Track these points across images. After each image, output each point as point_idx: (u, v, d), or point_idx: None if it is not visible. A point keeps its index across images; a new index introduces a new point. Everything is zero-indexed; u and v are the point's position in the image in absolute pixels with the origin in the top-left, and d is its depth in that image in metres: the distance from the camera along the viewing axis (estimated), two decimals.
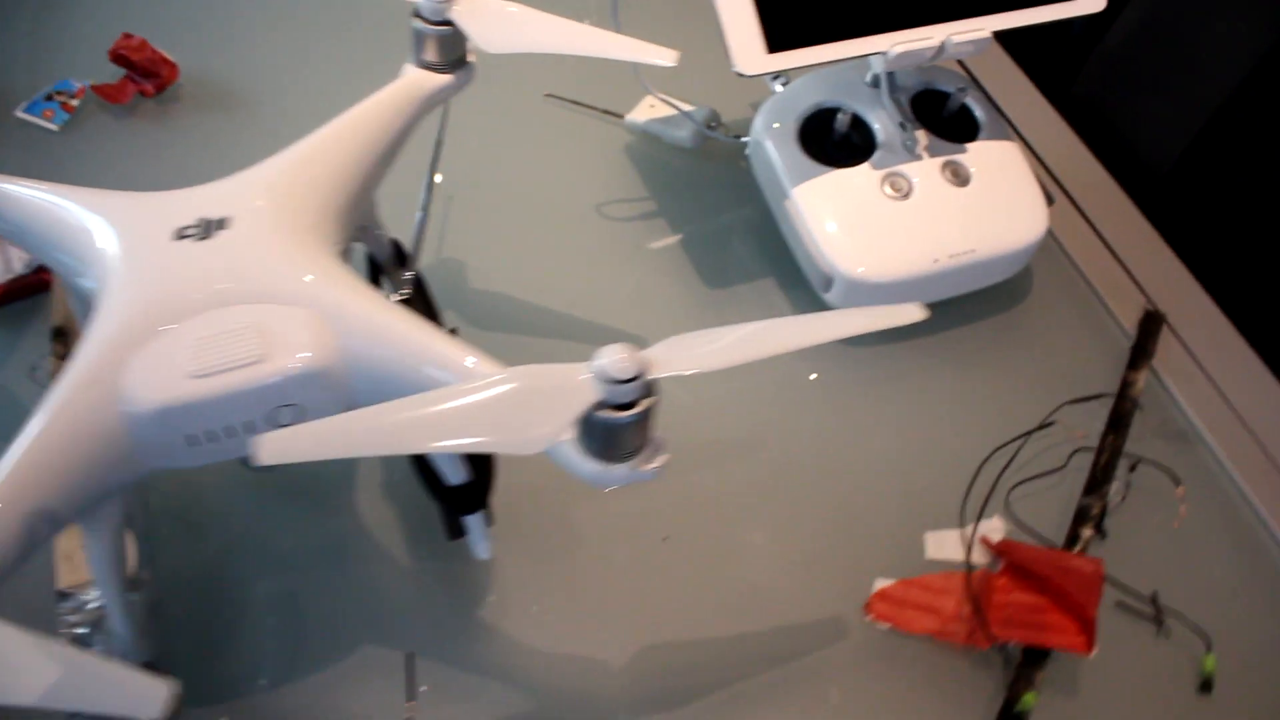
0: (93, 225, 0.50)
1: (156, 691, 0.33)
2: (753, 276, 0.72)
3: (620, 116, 0.78)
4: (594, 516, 0.60)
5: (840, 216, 0.66)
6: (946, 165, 0.68)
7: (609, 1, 0.69)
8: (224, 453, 0.46)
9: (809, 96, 0.70)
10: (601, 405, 0.40)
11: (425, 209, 0.61)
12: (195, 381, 0.43)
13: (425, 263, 0.71)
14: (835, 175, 0.67)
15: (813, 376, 0.67)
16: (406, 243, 0.61)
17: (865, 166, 0.67)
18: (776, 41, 0.61)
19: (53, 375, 0.61)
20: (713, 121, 0.77)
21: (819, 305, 0.67)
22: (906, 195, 0.66)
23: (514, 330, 0.68)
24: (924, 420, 0.65)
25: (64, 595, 0.52)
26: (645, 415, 0.41)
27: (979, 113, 0.71)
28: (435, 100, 0.58)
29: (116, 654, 0.52)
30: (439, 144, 0.62)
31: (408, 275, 0.59)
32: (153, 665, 0.52)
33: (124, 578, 0.50)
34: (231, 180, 0.51)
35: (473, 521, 0.53)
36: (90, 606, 0.53)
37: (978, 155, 0.68)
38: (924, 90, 0.71)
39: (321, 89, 0.75)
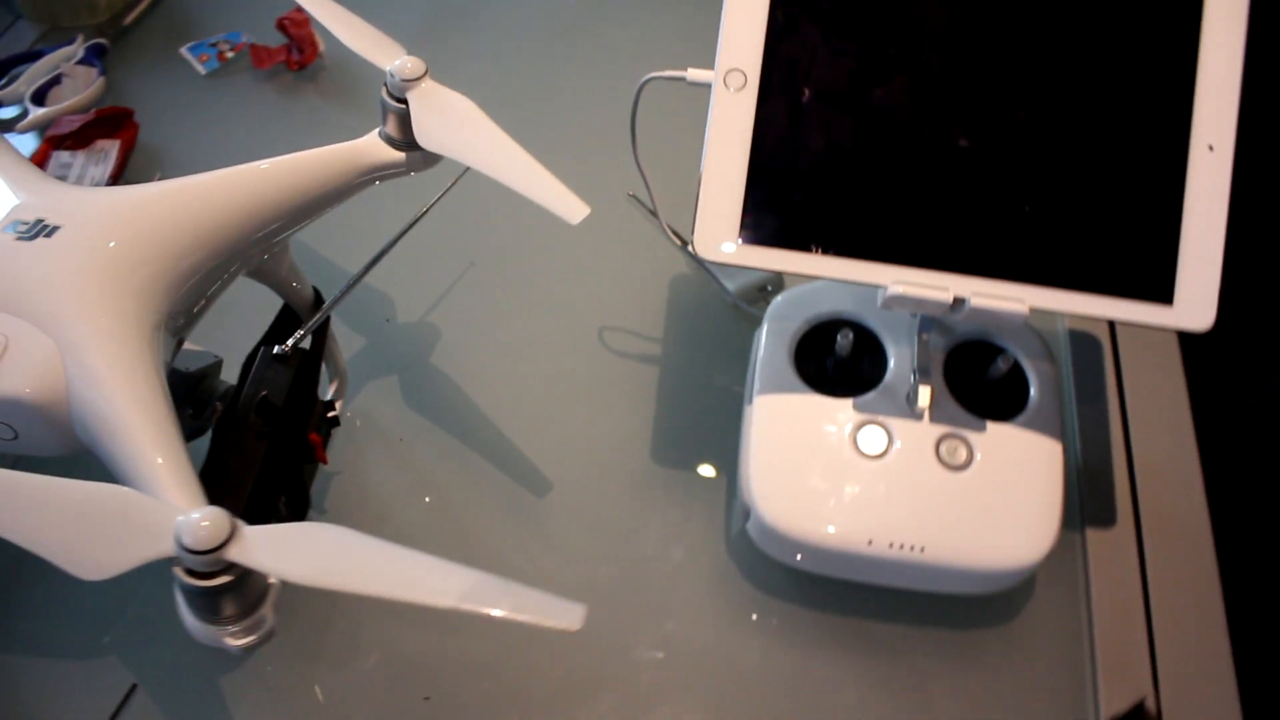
0: None
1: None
2: (707, 459, 0.62)
3: (684, 244, 0.71)
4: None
5: (788, 448, 0.55)
6: (947, 439, 0.55)
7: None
8: None
9: (832, 299, 0.59)
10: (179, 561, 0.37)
11: (356, 279, 0.58)
12: None
13: (415, 316, 0.69)
14: (810, 400, 0.56)
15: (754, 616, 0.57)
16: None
17: (848, 403, 0.56)
18: (755, 229, 0.52)
19: None
20: (770, 284, 0.68)
21: (737, 532, 0.57)
22: (880, 455, 0.54)
23: (460, 420, 0.64)
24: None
25: None
26: (224, 591, 0.37)
27: (1034, 391, 0.57)
28: (380, 174, 0.54)
29: None
30: (414, 221, 0.59)
31: (298, 333, 0.56)
32: None
33: None
34: (98, 193, 0.51)
35: None
36: None
37: (998, 440, 0.55)
38: (977, 339, 0.58)
39: None
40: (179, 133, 0.78)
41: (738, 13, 0.52)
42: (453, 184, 0.60)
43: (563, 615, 0.36)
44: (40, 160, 0.75)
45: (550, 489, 0.62)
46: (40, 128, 0.77)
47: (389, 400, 0.65)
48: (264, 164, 0.52)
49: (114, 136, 0.75)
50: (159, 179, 0.73)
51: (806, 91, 0.52)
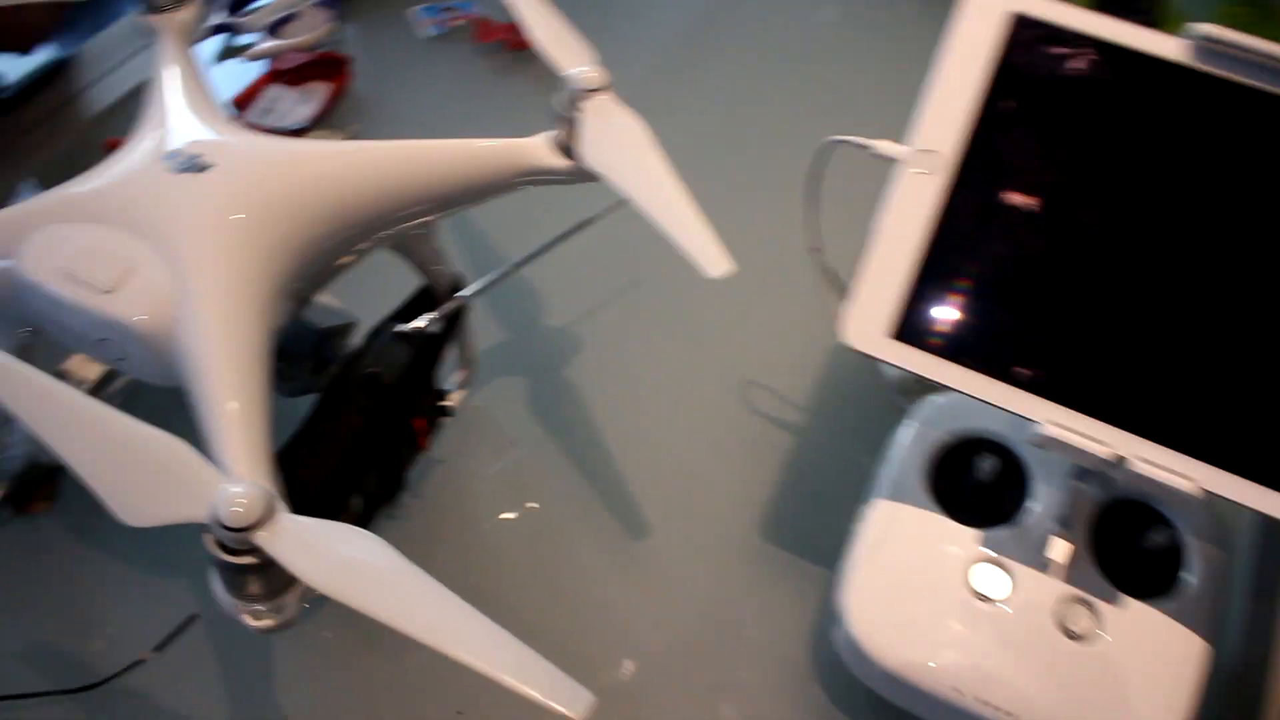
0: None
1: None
2: (815, 545, 0.58)
3: None
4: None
5: (896, 563, 0.51)
6: (1073, 603, 0.49)
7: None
8: (80, 347, 0.48)
9: (987, 415, 0.54)
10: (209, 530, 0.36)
11: (503, 274, 0.57)
12: (55, 275, 0.45)
13: (561, 321, 0.67)
14: (933, 519, 0.51)
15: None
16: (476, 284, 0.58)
17: (974, 534, 0.51)
18: (911, 327, 0.47)
19: None
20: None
21: (823, 633, 0.53)
22: (994, 599, 0.49)
23: (577, 438, 0.63)
24: None
25: None
26: (249, 570, 0.36)
27: (1192, 577, 0.50)
28: (539, 178, 0.53)
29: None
30: (579, 225, 0.57)
31: (428, 316, 0.55)
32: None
33: None
34: (258, 140, 0.51)
35: None
36: None
37: (1132, 620, 0.48)
38: (1138, 499, 0.52)
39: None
40: (387, 90, 0.79)
41: (947, 89, 0.48)
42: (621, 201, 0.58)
43: (568, 701, 0.33)
44: (256, 90, 0.77)
45: (648, 532, 0.59)
46: (267, 59, 0.79)
47: (512, 401, 0.64)
48: (425, 145, 0.52)
49: (327, 80, 0.77)
50: (355, 130, 0.75)
51: (1003, 192, 0.47)
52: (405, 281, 0.57)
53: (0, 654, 0.53)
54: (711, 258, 0.45)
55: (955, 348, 0.47)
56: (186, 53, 0.58)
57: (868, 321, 0.48)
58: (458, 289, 0.59)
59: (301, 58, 0.77)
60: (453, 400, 0.59)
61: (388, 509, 0.56)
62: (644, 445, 0.62)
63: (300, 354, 0.56)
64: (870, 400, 0.64)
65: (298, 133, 0.74)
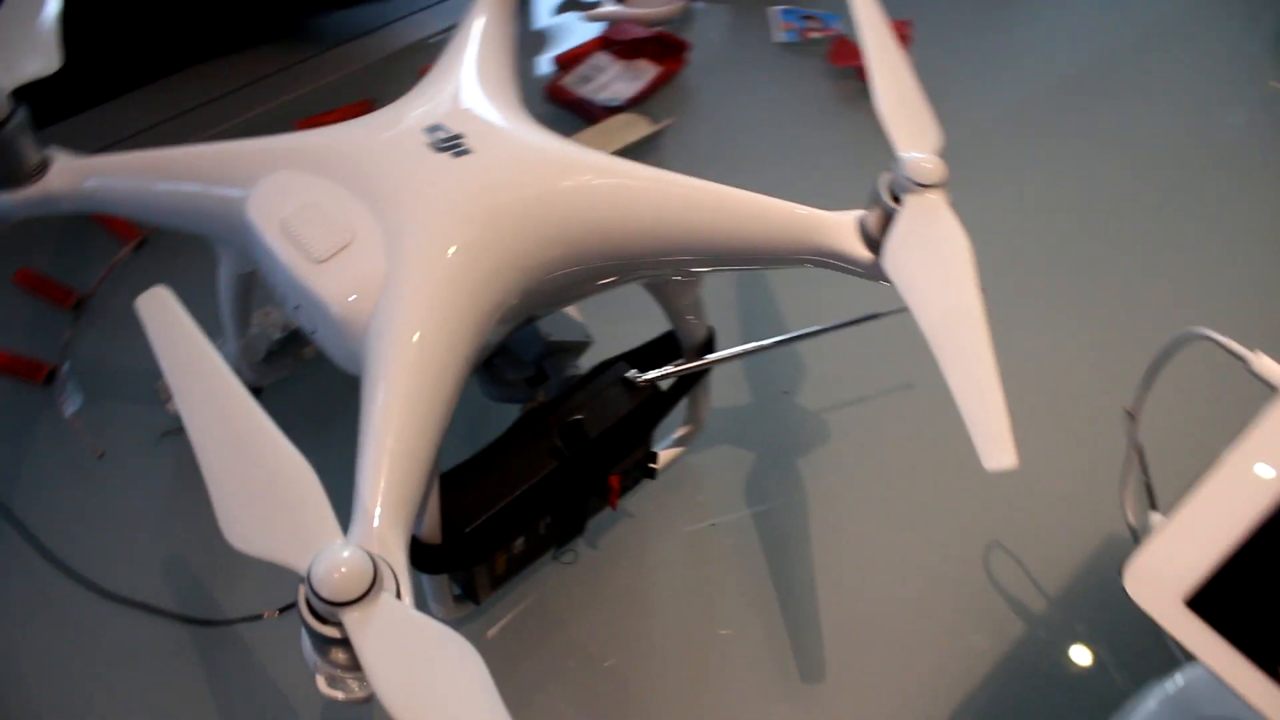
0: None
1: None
2: None
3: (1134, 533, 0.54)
4: None
5: None
6: None
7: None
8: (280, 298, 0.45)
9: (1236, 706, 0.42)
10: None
11: (767, 346, 0.49)
12: (274, 226, 0.42)
13: (813, 405, 0.59)
14: None
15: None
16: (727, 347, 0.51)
17: None
18: (1211, 606, 0.36)
19: None
20: None
21: None
22: None
23: (784, 538, 0.55)
24: None
25: None
26: (332, 641, 0.32)
27: None
28: (826, 261, 0.45)
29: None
30: (869, 317, 0.49)
31: (664, 370, 0.49)
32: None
33: (240, 312, 0.53)
34: (531, 135, 0.45)
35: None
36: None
37: None
38: None
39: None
40: (717, 87, 0.73)
41: None
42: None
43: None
44: (583, 53, 0.73)
45: (821, 674, 0.51)
46: (605, 23, 0.75)
47: (726, 470, 0.57)
48: (711, 191, 0.45)
49: (657, 61, 0.71)
50: (667, 125, 0.69)
51: None
52: (657, 315, 0.51)
53: (147, 560, 0.52)
54: (995, 447, 0.37)
55: (1257, 648, 0.36)
56: (505, 3, 0.54)
57: (1164, 575, 0.37)
58: (709, 347, 0.52)
59: (639, 31, 0.72)
60: (662, 461, 0.53)
61: (556, 551, 0.51)
62: (852, 570, 0.54)
63: (521, 360, 0.52)
64: (1129, 622, 0.52)
65: (610, 110, 0.69)
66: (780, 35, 0.76)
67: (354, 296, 0.40)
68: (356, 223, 0.41)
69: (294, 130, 0.47)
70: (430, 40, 0.77)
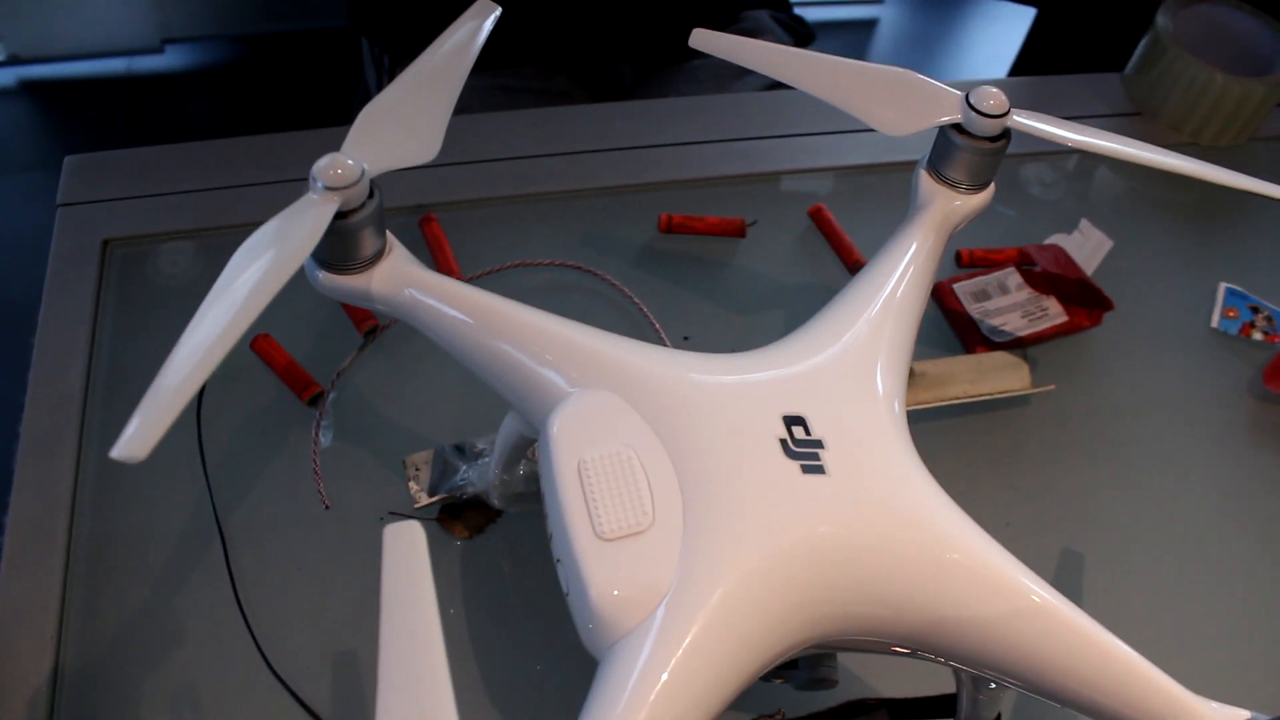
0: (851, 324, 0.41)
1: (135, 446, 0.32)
2: None
3: None
4: None
5: None
6: None
7: None
8: (545, 510, 0.39)
9: None
10: None
11: None
12: (571, 463, 0.36)
13: None
14: None
15: None
16: None
17: None
18: None
19: None
20: None
21: None
22: None
23: None
24: None
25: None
26: None
27: None
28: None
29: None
30: None
31: None
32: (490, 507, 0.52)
33: (509, 458, 0.48)
34: (911, 486, 0.37)
35: None
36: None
37: None
38: None
39: None
40: (1114, 353, 0.61)
41: None
42: None
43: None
44: (992, 259, 0.63)
45: None
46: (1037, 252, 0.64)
47: None
48: (1088, 633, 0.35)
49: (1068, 309, 0.61)
50: (1046, 392, 0.58)
51: None
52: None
53: (319, 643, 0.48)
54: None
55: None
56: (943, 233, 0.46)
57: None
58: None
59: (1067, 269, 0.61)
60: None
61: None
62: None
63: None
64: None
65: (992, 344, 0.59)
66: (1219, 321, 0.63)
67: (625, 599, 0.33)
68: (660, 505, 0.35)
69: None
70: (816, 172, 0.69)
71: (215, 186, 0.65)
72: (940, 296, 0.62)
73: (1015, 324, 0.60)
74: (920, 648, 0.36)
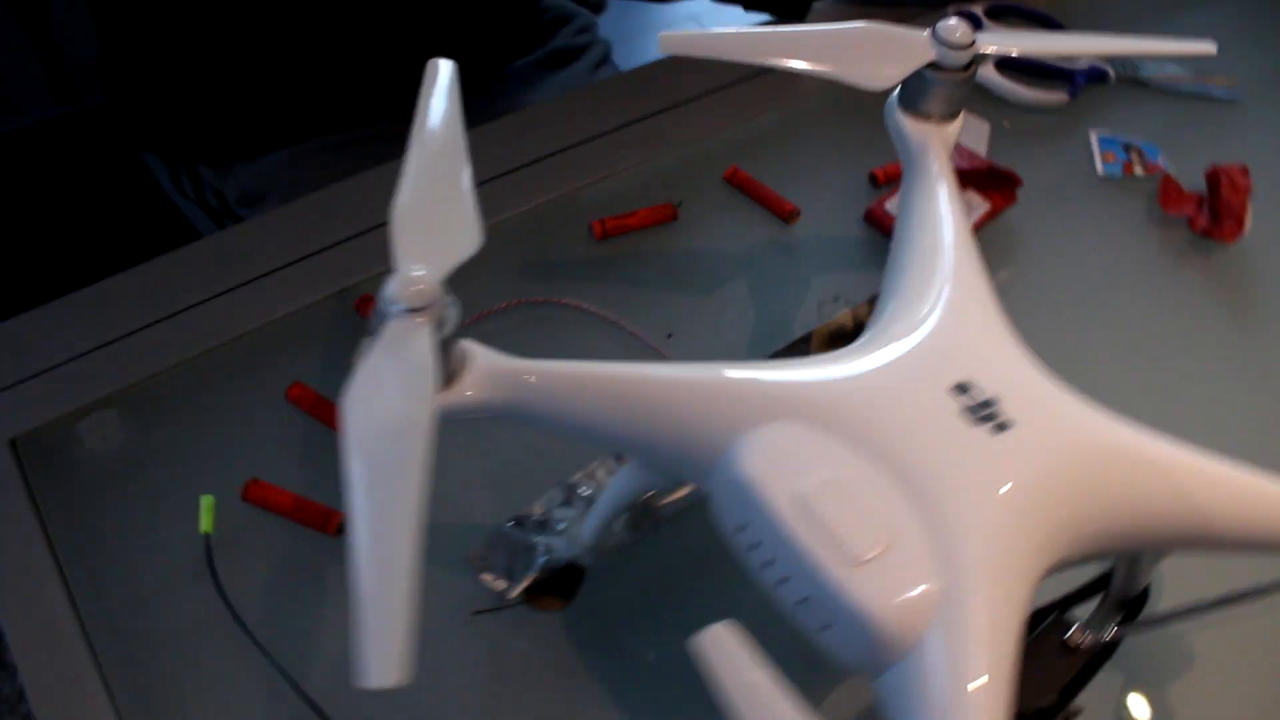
0: (928, 299, 0.42)
1: (390, 671, 0.29)
2: None
3: None
4: None
5: None
6: None
7: None
8: (747, 565, 0.38)
9: None
10: None
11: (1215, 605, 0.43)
12: (792, 504, 0.35)
13: None
14: None
15: None
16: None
17: None
18: None
19: (830, 321, 0.57)
20: None
21: None
22: None
23: None
24: None
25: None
26: None
27: None
28: None
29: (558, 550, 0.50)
30: None
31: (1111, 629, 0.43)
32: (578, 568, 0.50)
33: (614, 513, 0.46)
34: (1062, 399, 0.39)
35: None
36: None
37: None
38: None
39: None
40: (1042, 227, 0.66)
41: None
42: None
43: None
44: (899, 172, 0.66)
45: None
46: None
47: None
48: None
49: (986, 196, 0.64)
50: (1006, 276, 0.62)
51: None
52: None
53: None
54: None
55: None
56: (949, 181, 0.47)
57: None
58: (1142, 600, 0.46)
59: (971, 162, 0.64)
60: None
61: None
62: None
63: None
64: None
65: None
66: (1101, 166, 0.69)
67: (905, 609, 0.33)
68: (893, 513, 0.35)
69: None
70: (712, 133, 0.69)
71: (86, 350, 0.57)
72: (878, 221, 0.64)
73: None
74: (1134, 545, 0.38)
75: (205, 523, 0.51)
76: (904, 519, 0.35)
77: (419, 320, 0.35)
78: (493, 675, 0.49)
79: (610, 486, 0.45)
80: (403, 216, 0.38)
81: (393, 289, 0.35)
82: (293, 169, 0.77)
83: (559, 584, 0.50)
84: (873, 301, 0.59)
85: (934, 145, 0.47)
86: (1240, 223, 0.66)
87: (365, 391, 0.34)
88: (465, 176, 0.40)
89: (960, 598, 0.34)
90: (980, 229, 0.64)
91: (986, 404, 0.37)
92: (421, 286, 0.35)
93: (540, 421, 0.39)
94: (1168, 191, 0.67)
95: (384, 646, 0.29)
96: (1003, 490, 0.36)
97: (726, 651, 0.30)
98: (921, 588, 0.34)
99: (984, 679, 0.32)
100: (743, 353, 0.59)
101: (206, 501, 0.51)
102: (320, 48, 0.75)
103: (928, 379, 0.38)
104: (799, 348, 0.57)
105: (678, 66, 0.73)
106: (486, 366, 0.38)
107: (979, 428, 0.37)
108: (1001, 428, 0.37)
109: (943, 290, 0.42)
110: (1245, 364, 0.61)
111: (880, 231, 0.64)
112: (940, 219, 0.44)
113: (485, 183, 0.65)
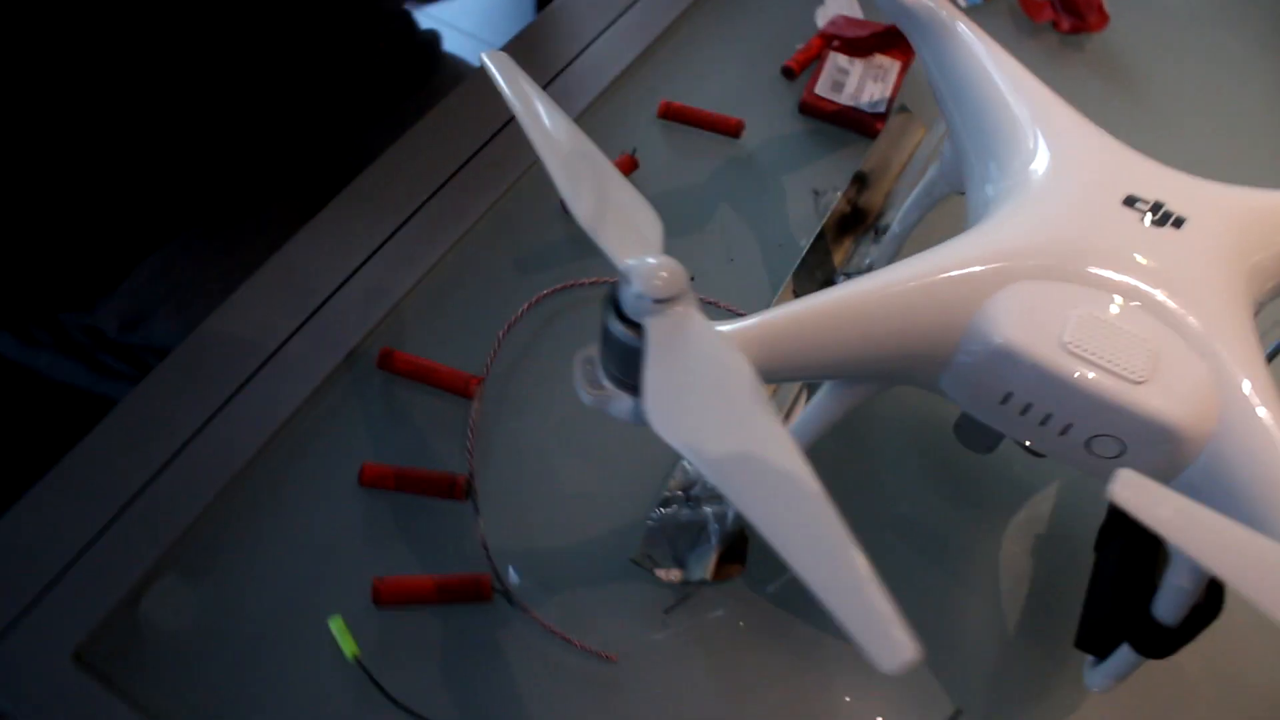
0: (1028, 139, 0.43)
1: (904, 650, 0.26)
2: None
3: None
4: None
5: None
6: None
7: None
8: (1016, 430, 0.38)
9: None
10: None
11: None
12: (1060, 352, 0.35)
13: None
14: None
15: None
16: None
17: None
18: None
19: (832, 211, 0.57)
20: None
21: None
22: None
23: None
24: None
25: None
26: None
27: None
28: None
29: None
30: None
31: None
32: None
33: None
34: (1194, 181, 0.42)
35: (1121, 658, 0.42)
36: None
37: None
38: None
39: None
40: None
41: None
42: None
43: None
44: (809, 57, 0.67)
45: None
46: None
47: None
48: None
49: (893, 55, 0.66)
50: (930, 120, 0.65)
51: None
52: None
53: None
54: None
55: None
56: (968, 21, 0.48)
57: None
58: None
59: (864, 26, 0.66)
60: None
61: None
62: None
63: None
64: None
65: (877, 117, 0.63)
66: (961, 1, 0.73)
67: (1195, 408, 0.35)
68: (1143, 328, 0.36)
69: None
70: (623, 78, 0.67)
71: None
72: (814, 106, 0.64)
73: (877, 90, 0.65)
74: None
75: (347, 646, 0.45)
76: (1154, 330, 0.36)
77: (679, 309, 0.32)
78: (715, 652, 0.47)
79: (806, 418, 0.43)
80: (594, 224, 0.35)
81: (642, 286, 0.32)
82: (166, 276, 0.68)
83: (734, 550, 0.49)
84: (857, 180, 0.60)
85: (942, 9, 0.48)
86: (1102, 10, 0.71)
87: (679, 405, 0.31)
88: (605, 160, 0.38)
89: (1228, 379, 0.36)
90: (901, 87, 0.66)
91: (1158, 206, 0.39)
92: (665, 274, 0.32)
93: (779, 375, 0.37)
94: (1030, 2, 0.72)
95: (880, 631, 0.27)
96: (1212, 270, 0.38)
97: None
98: (1202, 383, 0.35)
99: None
100: (761, 273, 0.58)
101: (337, 624, 0.45)
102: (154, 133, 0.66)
103: (1102, 203, 0.39)
104: (820, 248, 0.57)
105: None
106: (742, 335, 0.36)
107: (1163, 229, 0.39)
108: (1179, 223, 0.39)
109: (1036, 129, 0.43)
110: (1154, 137, 0.67)
111: (819, 117, 0.65)
112: (984, 63, 0.45)
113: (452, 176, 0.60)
